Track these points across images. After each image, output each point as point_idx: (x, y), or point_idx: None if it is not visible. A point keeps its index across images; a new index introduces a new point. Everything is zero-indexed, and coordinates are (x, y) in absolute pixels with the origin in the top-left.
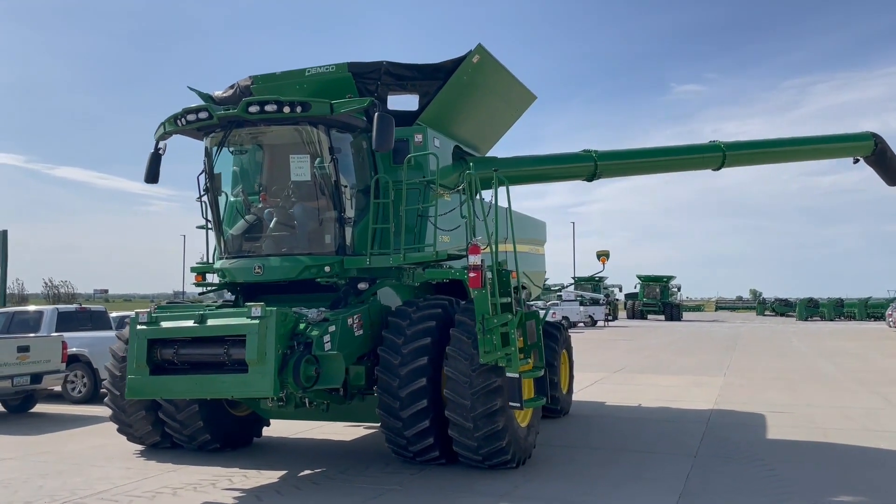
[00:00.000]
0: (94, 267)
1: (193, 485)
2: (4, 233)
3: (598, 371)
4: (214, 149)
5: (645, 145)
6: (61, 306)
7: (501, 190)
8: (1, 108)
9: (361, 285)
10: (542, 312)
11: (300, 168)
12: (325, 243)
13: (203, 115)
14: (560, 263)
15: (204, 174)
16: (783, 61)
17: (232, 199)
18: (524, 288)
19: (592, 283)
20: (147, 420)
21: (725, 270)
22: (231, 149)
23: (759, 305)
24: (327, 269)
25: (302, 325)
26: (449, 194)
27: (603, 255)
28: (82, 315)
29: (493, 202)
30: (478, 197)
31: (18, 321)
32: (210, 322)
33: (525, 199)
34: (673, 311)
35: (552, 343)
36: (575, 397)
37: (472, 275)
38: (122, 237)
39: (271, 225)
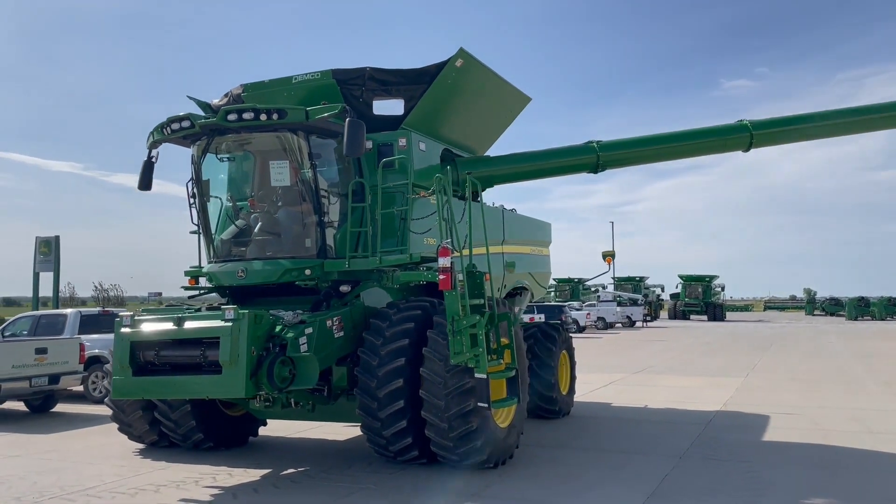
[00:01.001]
0: (149, 270)
1: (178, 482)
2: (56, 238)
3: (617, 372)
4: (201, 156)
5: None
6: (84, 309)
7: (486, 190)
8: (60, 118)
9: (343, 288)
10: (573, 313)
11: (280, 174)
12: (305, 247)
13: (185, 123)
14: (588, 263)
15: (192, 181)
16: (836, 53)
17: (227, 204)
18: (526, 289)
19: (633, 284)
20: (144, 419)
21: (779, 269)
22: (219, 156)
23: (808, 305)
24: (307, 272)
25: (278, 328)
26: (434, 197)
27: (608, 256)
28: (105, 318)
29: (466, 205)
30: (481, 199)
31: (44, 324)
32: (187, 325)
33: (570, 198)
34: (716, 312)
35: (549, 344)
36: (585, 398)
37: (441, 277)
38: (177, 241)
39: (256, 229)
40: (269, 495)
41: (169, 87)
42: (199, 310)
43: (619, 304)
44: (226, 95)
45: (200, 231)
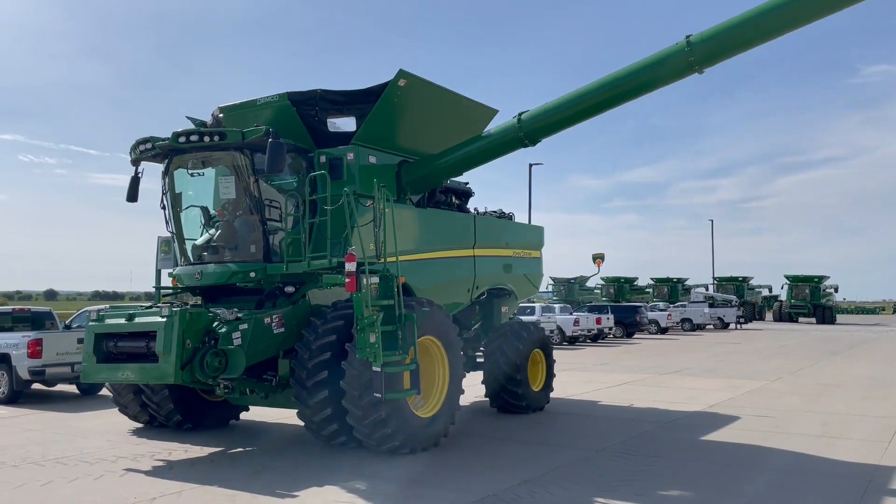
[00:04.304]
0: None
1: (137, 455)
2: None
3: (645, 373)
4: (167, 172)
5: (826, 133)
6: (142, 304)
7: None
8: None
9: (288, 288)
10: (654, 314)
11: (226, 188)
12: (251, 252)
13: (147, 145)
14: (701, 263)
15: (164, 194)
16: None
17: (198, 214)
18: (508, 295)
19: (735, 284)
20: (136, 402)
21: None
22: (189, 172)
23: None
24: (252, 274)
25: (215, 324)
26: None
27: (598, 258)
28: None
29: (383, 215)
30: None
31: None
32: (136, 320)
33: (691, 194)
34: (825, 314)
35: (516, 342)
36: (580, 396)
37: (347, 280)
38: None
39: (215, 237)
40: (201, 468)
41: (287, 88)
42: (150, 307)
43: (712, 305)
44: (212, 115)
45: (174, 237)
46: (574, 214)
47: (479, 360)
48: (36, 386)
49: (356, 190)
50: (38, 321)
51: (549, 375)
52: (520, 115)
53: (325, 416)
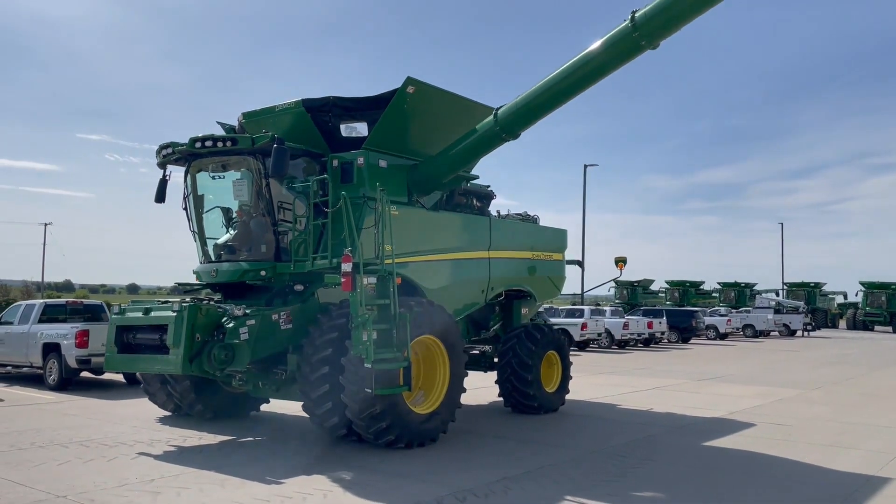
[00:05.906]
0: None
1: (154, 441)
2: None
3: (683, 378)
4: (187, 175)
5: None
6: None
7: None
8: None
9: (298, 287)
10: (712, 319)
11: (240, 190)
12: (262, 252)
13: (169, 150)
14: (771, 266)
15: (186, 196)
16: None
17: (215, 214)
18: (529, 296)
19: (807, 290)
20: (163, 391)
21: None
22: (210, 175)
23: None
24: (263, 272)
25: (224, 319)
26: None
27: (620, 262)
28: None
29: (379, 218)
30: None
31: None
32: (151, 314)
33: (771, 196)
34: None
35: (530, 344)
36: (606, 399)
37: (342, 280)
38: None
39: (232, 236)
40: (207, 454)
41: (363, 92)
42: (165, 302)
43: (778, 311)
44: (238, 121)
45: (196, 237)
46: (649, 215)
47: (496, 359)
48: (85, 374)
49: (365, 193)
50: (92, 313)
51: (565, 377)
52: (496, 110)
53: (326, 410)
